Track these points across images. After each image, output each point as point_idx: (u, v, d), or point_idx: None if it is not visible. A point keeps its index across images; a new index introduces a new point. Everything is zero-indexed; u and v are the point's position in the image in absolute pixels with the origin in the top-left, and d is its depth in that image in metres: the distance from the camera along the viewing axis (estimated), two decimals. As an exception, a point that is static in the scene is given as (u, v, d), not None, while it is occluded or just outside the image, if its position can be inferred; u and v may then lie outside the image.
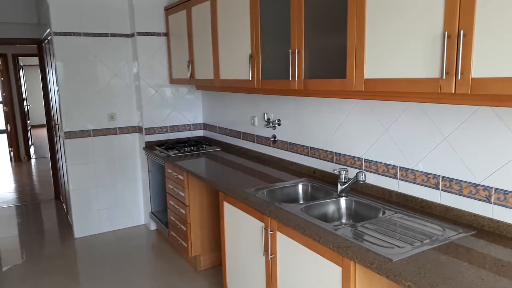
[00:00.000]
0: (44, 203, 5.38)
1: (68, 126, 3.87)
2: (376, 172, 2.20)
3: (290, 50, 2.20)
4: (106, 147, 4.07)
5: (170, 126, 4.15)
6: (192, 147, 3.73)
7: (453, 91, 1.41)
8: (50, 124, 5.21)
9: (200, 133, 4.32)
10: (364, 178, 2.05)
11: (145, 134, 4.03)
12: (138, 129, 4.19)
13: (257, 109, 3.26)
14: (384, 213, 1.95)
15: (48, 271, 3.39)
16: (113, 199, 4.18)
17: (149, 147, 4.00)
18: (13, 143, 8.17)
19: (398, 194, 2.08)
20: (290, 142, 2.90)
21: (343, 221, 2.17)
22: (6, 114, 8.05)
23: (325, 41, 2.07)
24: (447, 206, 1.85)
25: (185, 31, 3.54)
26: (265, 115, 3.07)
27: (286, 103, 2.89)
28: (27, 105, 8.86)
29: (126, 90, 4.09)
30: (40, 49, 5.05)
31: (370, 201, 2.09)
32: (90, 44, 3.85)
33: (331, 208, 2.17)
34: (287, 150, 2.93)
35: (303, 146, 2.76)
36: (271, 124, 3.04)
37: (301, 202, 2.47)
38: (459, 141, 1.78)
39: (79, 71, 3.85)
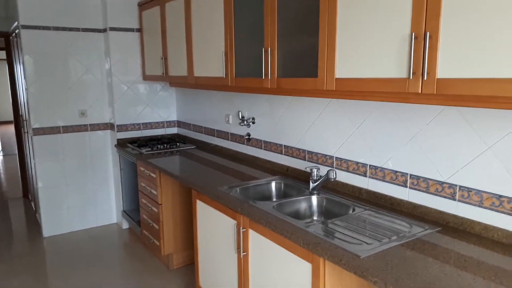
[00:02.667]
0: (12, 201, 5.21)
1: (36, 122, 3.76)
2: (347, 170, 2.24)
3: (263, 49, 2.20)
4: (76, 144, 3.98)
5: (143, 123, 4.10)
6: (165, 145, 3.69)
7: (420, 91, 1.45)
8: (18, 120, 5.05)
9: (174, 130, 4.28)
10: (335, 176, 2.08)
11: (117, 131, 3.96)
12: (110, 126, 4.11)
13: (232, 107, 3.25)
14: (354, 210, 1.99)
15: (16, 271, 3.29)
16: (84, 197, 4.09)
17: (121, 144, 3.93)
18: (-21, 139, 7.88)
19: (368, 192, 2.12)
20: (264, 140, 2.91)
21: (315, 218, 2.20)
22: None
23: (297, 40, 2.08)
24: (415, 204, 1.90)
25: (158, 27, 3.49)
26: (240, 113, 3.07)
27: (260, 101, 2.90)
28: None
29: (98, 86, 4.01)
30: (7, 42, 4.88)
31: (341, 199, 2.12)
32: (60, 38, 3.75)
33: (303, 206, 2.19)
34: (261, 148, 2.94)
35: (276, 144, 2.78)
36: (245, 122, 3.04)
37: (274, 199, 2.49)
38: (426, 140, 1.83)
39: (49, 66, 3.74)
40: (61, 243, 3.82)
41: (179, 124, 4.22)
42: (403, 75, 1.51)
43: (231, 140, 3.32)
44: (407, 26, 1.47)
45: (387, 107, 1.98)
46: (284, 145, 2.71)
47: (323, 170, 2.38)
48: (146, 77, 3.93)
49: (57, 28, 3.72)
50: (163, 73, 3.49)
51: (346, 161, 2.24)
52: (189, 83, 3.15)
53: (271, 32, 2.15)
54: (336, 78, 1.80)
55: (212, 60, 2.75)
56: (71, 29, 3.78)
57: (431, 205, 1.84)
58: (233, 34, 2.49)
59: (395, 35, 1.52)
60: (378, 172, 2.06)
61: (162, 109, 4.18)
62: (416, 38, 1.44)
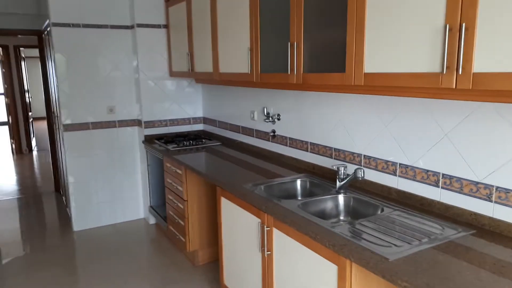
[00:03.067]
0: (45, 196, 5.38)
1: (67, 119, 3.85)
2: (375, 168, 2.16)
3: (289, 43, 2.15)
4: (105, 140, 4.05)
5: (169, 120, 4.12)
6: (191, 141, 3.70)
7: (454, 86, 1.37)
8: (50, 117, 5.19)
9: (200, 127, 4.29)
10: (362, 175, 2.02)
11: (145, 128, 4.00)
12: (137, 123, 4.16)
13: (257, 103, 3.22)
14: (382, 210, 1.92)
15: (46, 264, 3.39)
16: (112, 192, 4.17)
17: (148, 140, 3.97)
18: (14, 135, 8.18)
19: (397, 191, 2.04)
20: (289, 137, 2.86)
21: (341, 218, 2.14)
22: (7, 106, 8.05)
23: (325, 34, 2.02)
24: (447, 204, 1.81)
25: (184, 23, 3.49)
26: (265, 109, 3.04)
27: (285, 97, 2.85)
28: (29, 97, 8.85)
29: (126, 82, 4.06)
30: (40, 40, 5.02)
31: (369, 198, 2.05)
32: (89, 35, 3.81)
33: (329, 205, 2.13)
34: (287, 145, 2.90)
35: (302, 141, 2.73)
36: (270, 118, 3.00)
37: (299, 198, 2.44)
38: (460, 138, 1.73)
39: (79, 63, 3.82)
40: (90, 237, 3.91)
41: (205, 120, 4.23)
42: (436, 69, 1.43)
43: (256, 137, 3.29)
44: (441, 17, 1.39)
45: (418, 103, 1.90)
46: (310, 142, 2.65)
47: (351, 168, 2.31)
48: (172, 74, 3.95)
49: (86, 26, 3.78)
50: (189, 70, 3.50)
51: (375, 159, 2.16)
52: (215, 80, 3.14)
53: (297, 26, 2.09)
54: (364, 73, 1.73)
55: (237, 56, 2.72)
56: (100, 26, 3.84)
57: (464, 206, 1.75)
58: (259, 28, 2.45)
59: (428, 27, 1.44)
60: (408, 171, 1.98)
61: (188, 106, 4.20)
62: (450, 30, 1.35)
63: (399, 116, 2.00)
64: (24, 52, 8.60)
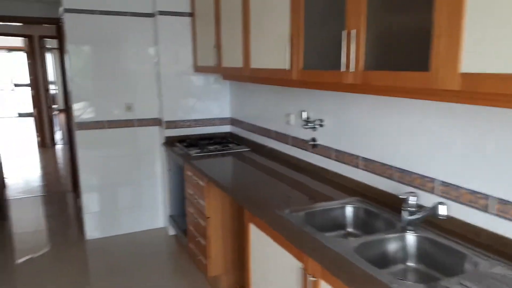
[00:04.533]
0: (61, 196, 5.07)
1: (80, 116, 3.46)
2: (457, 201, 1.62)
3: (345, 32, 1.63)
4: (122, 141, 3.64)
5: (193, 120, 3.67)
6: (216, 146, 3.24)
7: None
8: (68, 111, 4.85)
9: (226, 128, 3.82)
10: (445, 213, 1.48)
11: (165, 128, 3.57)
12: (157, 122, 3.73)
13: (294, 105, 2.71)
14: (476, 264, 1.38)
15: (59, 271, 3.02)
16: (130, 198, 3.77)
17: (169, 142, 3.54)
18: (38, 128, 7.98)
19: (490, 235, 1.50)
20: (335, 149, 2.34)
21: (409, 264, 1.61)
22: (33, 98, 7.86)
23: (396, 17, 1.50)
24: None
25: (212, 10, 3.01)
26: (304, 113, 2.53)
27: (331, 99, 2.33)
28: (53, 89, 8.64)
29: (146, 77, 3.63)
30: (58, 29, 4.67)
31: (451, 242, 1.52)
32: (106, 24, 3.40)
33: (393, 246, 1.61)
34: (331, 158, 2.38)
35: (352, 155, 2.20)
36: (311, 124, 2.49)
37: (349, 229, 1.93)
38: None
39: (94, 54, 3.42)
40: (102, 248, 3.53)
41: (233, 121, 3.75)
42: None
43: (291, 145, 2.79)
44: None
45: (532, 117, 1.35)
46: (362, 157, 2.13)
47: (423, 197, 1.78)
48: (197, 69, 3.49)
49: (103, 12, 3.37)
50: (216, 64, 3.02)
51: (457, 188, 1.62)
52: (244, 76, 2.65)
53: (356, 8, 1.57)
54: (460, 73, 1.20)
55: (272, 49, 2.22)
56: (118, 13, 3.42)
57: None
58: (302, 13, 1.94)
59: None
60: (509, 210, 1.44)
61: (214, 105, 3.73)
62: None
63: (495, 134, 1.45)
64: (50, 43, 8.37)
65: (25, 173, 6.11)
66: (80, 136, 3.49)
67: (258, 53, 2.41)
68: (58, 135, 8.57)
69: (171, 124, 3.59)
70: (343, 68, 1.66)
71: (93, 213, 3.65)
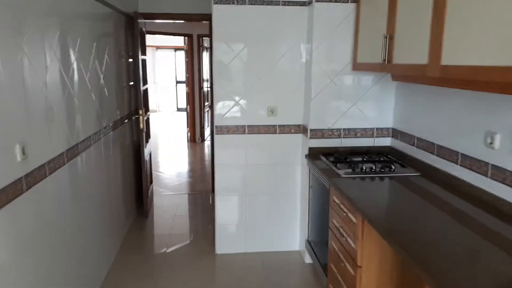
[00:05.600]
0: (204, 194, 4.98)
1: (222, 116, 3.14)
2: None
3: None
4: (261, 148, 3.20)
5: (344, 129, 3.02)
6: (373, 165, 2.52)
7: None
8: (211, 110, 4.71)
9: (386, 141, 3.05)
10: None
11: (310, 138, 3.00)
12: (302, 129, 3.19)
13: (500, 120, 1.84)
14: None
15: (183, 283, 2.76)
16: (265, 211, 3.32)
17: (313, 155, 2.95)
18: (190, 123, 8.32)
19: None
20: None
21: None
22: (187, 95, 8.23)
23: None
24: None
25: (385, -10, 2.30)
26: (525, 135, 1.65)
27: None
28: (207, 87, 8.94)
29: (294, 77, 3.11)
30: (210, 26, 4.52)
31: None
32: (255, 15, 2.98)
33: None
34: None
35: None
36: (537, 154, 1.60)
37: None
38: None
39: (239, 51, 3.03)
40: (231, 264, 3.17)
41: (395, 134, 2.97)
42: None
43: (491, 178, 1.91)
44: None
45: None
46: None
47: None
48: (356, 66, 2.82)
49: (252, 2, 2.96)
50: (383, 60, 2.30)
51: None
52: (428, 77, 1.88)
53: None
54: None
55: (496, 39, 1.42)
56: (269, 3, 2.97)
57: None
58: None
59: None
60: None
61: (372, 112, 3.01)
62: None
63: None
64: (207, 41, 8.67)
65: (172, 168, 6.29)
66: (218, 139, 3.18)
67: (458, 44, 1.63)
68: (207, 132, 8.84)
69: (317, 133, 3.00)
70: None
71: (224, 225, 3.31)
